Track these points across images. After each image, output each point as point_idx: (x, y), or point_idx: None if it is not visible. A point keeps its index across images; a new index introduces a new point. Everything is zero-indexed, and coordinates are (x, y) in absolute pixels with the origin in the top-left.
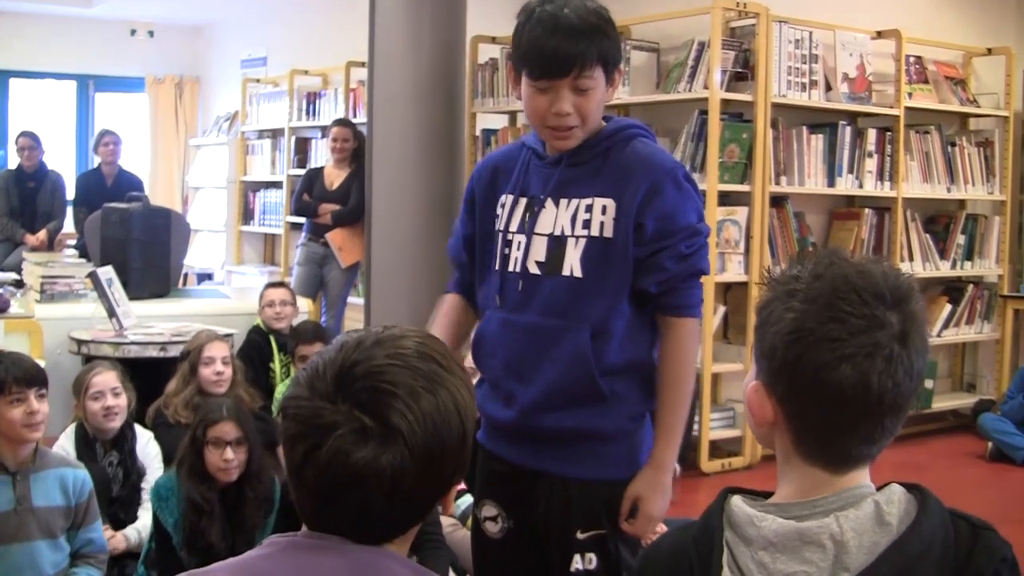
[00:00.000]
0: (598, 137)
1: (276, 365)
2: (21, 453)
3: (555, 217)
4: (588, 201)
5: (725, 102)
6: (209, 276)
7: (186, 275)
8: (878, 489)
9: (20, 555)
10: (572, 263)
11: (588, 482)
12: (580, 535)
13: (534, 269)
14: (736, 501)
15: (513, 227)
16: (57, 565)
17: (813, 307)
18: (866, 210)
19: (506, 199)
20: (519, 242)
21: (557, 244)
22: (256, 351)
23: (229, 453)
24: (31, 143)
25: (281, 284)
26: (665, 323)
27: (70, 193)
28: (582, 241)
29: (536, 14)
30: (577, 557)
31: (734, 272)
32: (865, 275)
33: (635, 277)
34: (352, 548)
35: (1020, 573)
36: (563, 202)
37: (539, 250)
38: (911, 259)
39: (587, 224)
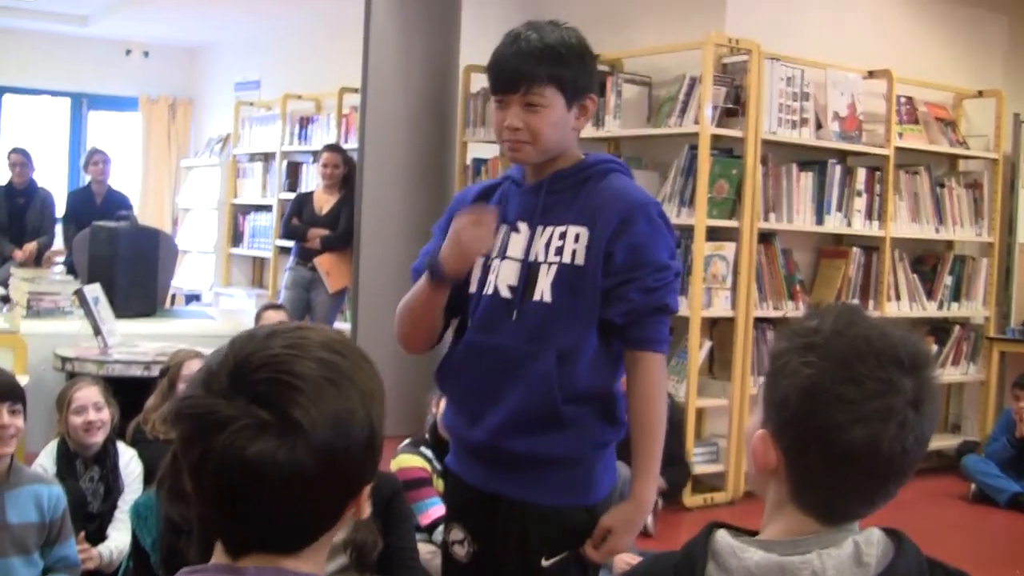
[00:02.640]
0: (576, 168)
1: None
2: None
3: (529, 243)
4: (562, 229)
5: (715, 137)
6: (197, 297)
7: (174, 296)
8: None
9: None
10: (543, 289)
11: (543, 507)
12: (544, 562)
13: (505, 293)
14: (721, 533)
15: (493, 252)
16: None
17: (830, 365)
18: (854, 249)
19: None
20: (495, 266)
21: (530, 270)
22: None
23: None
24: (22, 159)
25: (278, 307)
26: (631, 358)
27: (60, 210)
28: (554, 268)
29: (510, 35)
30: None
31: (720, 307)
32: (885, 338)
33: (601, 307)
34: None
35: None
36: (539, 228)
37: (510, 274)
38: (898, 299)
39: (560, 251)
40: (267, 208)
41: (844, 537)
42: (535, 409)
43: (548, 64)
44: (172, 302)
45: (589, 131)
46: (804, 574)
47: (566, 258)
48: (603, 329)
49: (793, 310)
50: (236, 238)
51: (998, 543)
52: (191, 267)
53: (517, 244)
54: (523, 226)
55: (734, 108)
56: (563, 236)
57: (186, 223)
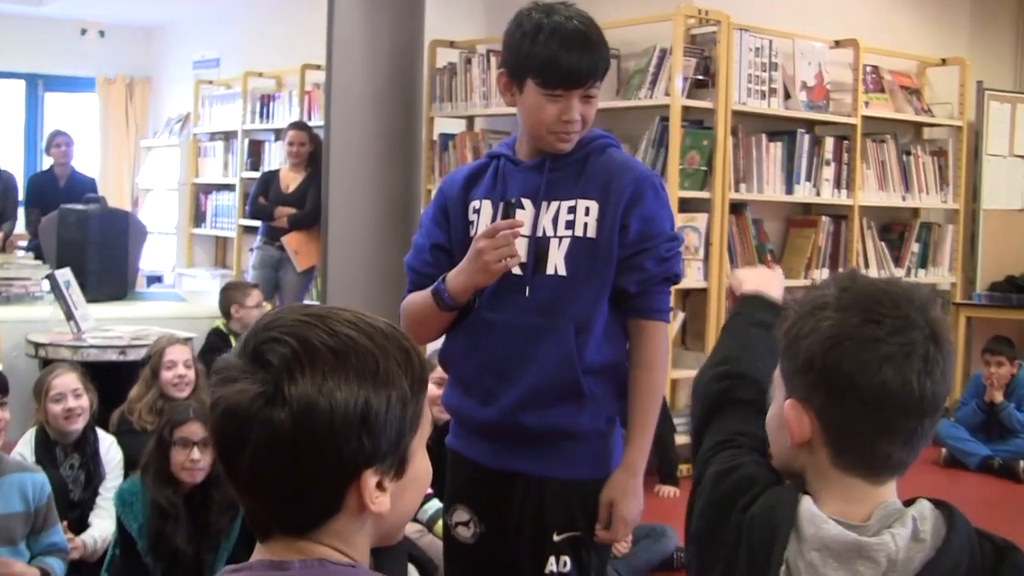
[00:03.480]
0: (577, 144)
1: None
2: None
3: (534, 217)
4: (571, 203)
5: (686, 109)
6: (159, 279)
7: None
8: (907, 503)
9: None
10: (556, 262)
11: (563, 482)
12: (556, 537)
13: (516, 270)
14: (807, 500)
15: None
16: None
17: (848, 314)
18: (823, 218)
19: (480, 204)
20: None
21: (539, 245)
22: (216, 354)
23: (196, 453)
24: None
25: (254, 286)
26: (637, 327)
27: (20, 194)
28: (566, 241)
29: (547, 25)
30: (552, 559)
31: (693, 278)
32: (889, 283)
33: (616, 277)
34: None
35: None
36: (544, 204)
37: (519, 251)
38: (867, 267)
39: (570, 225)
40: (230, 187)
41: (903, 512)
42: (555, 382)
43: (602, 57)
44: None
45: None
46: (880, 556)
47: (578, 231)
48: (613, 299)
49: None
50: (198, 218)
51: (970, 507)
52: (153, 248)
53: (523, 220)
54: (527, 202)
55: (704, 80)
56: (572, 210)
57: (147, 204)
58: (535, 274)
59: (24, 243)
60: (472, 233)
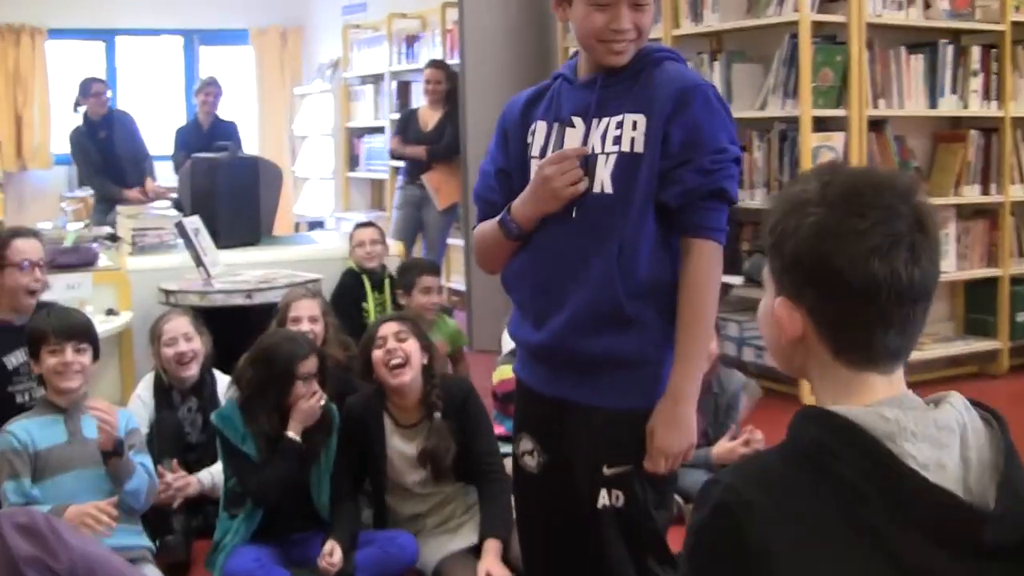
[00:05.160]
0: (633, 58)
1: (370, 305)
2: (68, 397)
3: (584, 136)
4: (619, 118)
5: (817, 24)
6: (321, 224)
7: (297, 223)
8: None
9: (76, 481)
10: (603, 179)
11: (610, 412)
12: (606, 470)
13: None
14: (858, 411)
15: (549, 151)
16: (107, 492)
17: (830, 208)
18: (972, 131)
19: (537, 126)
20: None
21: (587, 162)
22: (350, 293)
23: (315, 385)
24: (103, 87)
25: (370, 224)
26: (685, 245)
27: (169, 144)
28: (612, 157)
29: None
30: (604, 492)
31: None
32: (870, 173)
33: (657, 191)
34: None
35: None
36: (594, 121)
37: None
38: (1022, 181)
39: (617, 140)
40: (380, 130)
41: (938, 397)
42: (597, 307)
43: None
44: (296, 229)
45: (687, 27)
46: (953, 424)
47: (624, 146)
48: (660, 216)
49: None
50: (352, 162)
51: None
52: (312, 194)
53: (573, 139)
54: (578, 120)
55: None
56: (620, 125)
57: (303, 151)
58: (583, 194)
59: (175, 195)
60: (531, 153)
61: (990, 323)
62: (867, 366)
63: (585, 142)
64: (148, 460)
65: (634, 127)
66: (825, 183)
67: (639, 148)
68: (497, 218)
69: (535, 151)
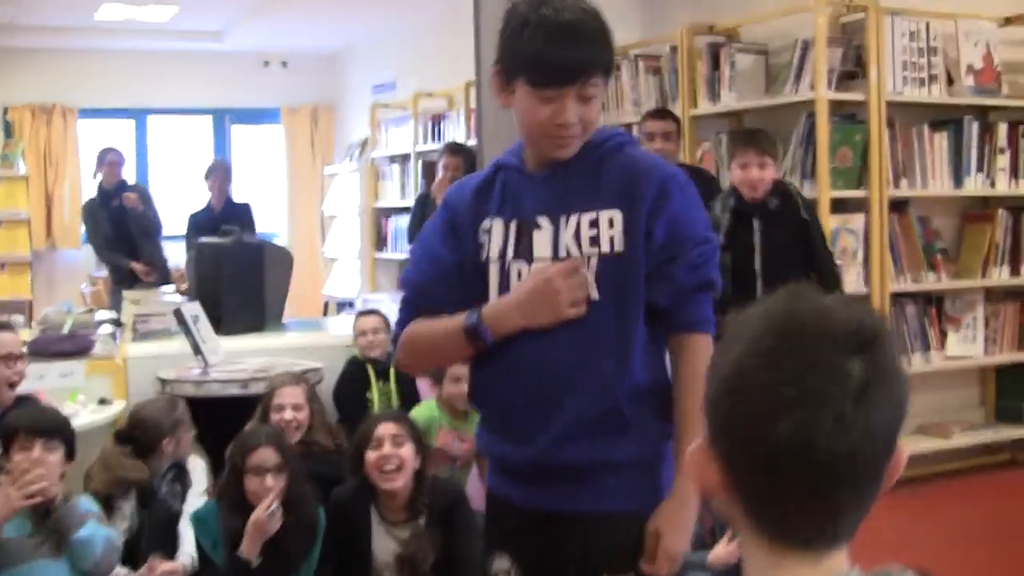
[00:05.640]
0: (588, 146)
1: (374, 394)
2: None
3: (554, 237)
4: (591, 215)
5: (836, 103)
6: (351, 304)
7: (326, 304)
8: None
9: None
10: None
11: (608, 516)
12: None
13: None
14: None
15: (509, 254)
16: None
17: (754, 348)
18: (1000, 211)
19: (491, 223)
20: (519, 270)
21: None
22: (353, 382)
23: (269, 480)
24: (117, 158)
25: (373, 312)
26: (678, 342)
27: (182, 229)
28: (593, 260)
29: (533, 19)
30: None
31: (853, 284)
32: (821, 314)
33: (647, 292)
34: None
35: None
36: (562, 219)
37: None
38: None
39: (595, 240)
40: (407, 210)
41: None
42: (593, 415)
43: (599, 48)
44: (325, 310)
45: (705, 106)
46: None
47: (604, 247)
48: (648, 316)
49: (935, 281)
50: (380, 242)
51: None
52: (341, 275)
53: (543, 241)
54: (543, 220)
55: (854, 71)
56: (594, 224)
57: (333, 230)
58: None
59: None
60: (486, 255)
61: (1023, 409)
62: (788, 545)
63: (556, 244)
64: (111, 531)
65: (611, 224)
66: (765, 315)
67: (619, 247)
68: (460, 321)
69: (493, 253)
